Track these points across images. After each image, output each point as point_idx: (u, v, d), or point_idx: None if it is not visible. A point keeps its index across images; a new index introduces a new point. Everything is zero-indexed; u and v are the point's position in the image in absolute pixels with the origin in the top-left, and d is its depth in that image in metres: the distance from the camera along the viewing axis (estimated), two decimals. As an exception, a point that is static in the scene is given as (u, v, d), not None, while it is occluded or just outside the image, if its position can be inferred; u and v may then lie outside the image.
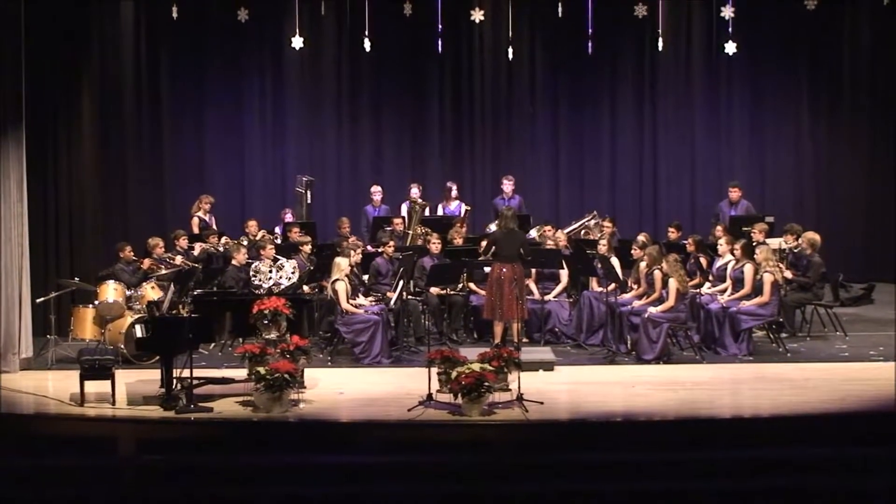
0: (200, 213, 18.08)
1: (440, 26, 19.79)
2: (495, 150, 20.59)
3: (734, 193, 18.55)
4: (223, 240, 17.28)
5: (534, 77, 20.56)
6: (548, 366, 14.54)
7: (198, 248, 17.00)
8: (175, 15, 17.02)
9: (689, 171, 20.63)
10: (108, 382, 12.91)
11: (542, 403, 12.60)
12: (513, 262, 15.17)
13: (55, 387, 13.79)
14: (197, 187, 19.02)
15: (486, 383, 12.27)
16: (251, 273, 15.88)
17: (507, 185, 18.66)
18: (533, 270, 16.28)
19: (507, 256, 15.22)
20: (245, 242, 17.01)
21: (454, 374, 12.37)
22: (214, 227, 17.94)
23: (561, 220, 19.04)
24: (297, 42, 17.97)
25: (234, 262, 16.25)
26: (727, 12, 17.68)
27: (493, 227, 17.07)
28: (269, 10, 19.12)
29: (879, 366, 14.26)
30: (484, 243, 15.97)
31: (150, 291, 15.16)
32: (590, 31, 19.85)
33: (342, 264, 15.11)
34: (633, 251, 16.02)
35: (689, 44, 20.44)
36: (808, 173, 20.61)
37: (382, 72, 20.31)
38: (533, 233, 17.44)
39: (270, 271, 15.80)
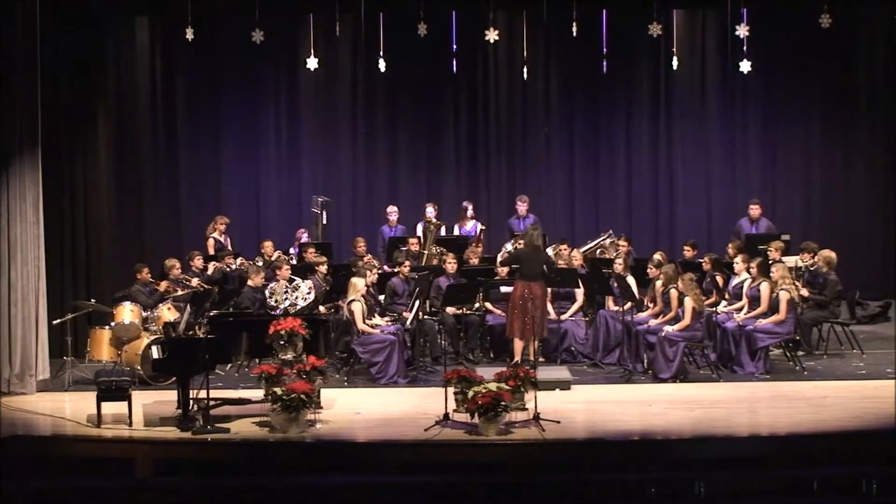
0: (216, 235, 18.09)
1: (455, 46, 19.80)
2: (510, 169, 20.53)
3: (755, 210, 18.52)
4: (239, 261, 17.29)
5: (548, 96, 20.52)
6: (564, 385, 14.53)
7: (211, 266, 17.00)
8: (190, 37, 16.97)
9: (704, 190, 20.55)
10: (125, 404, 12.90)
11: (558, 423, 12.57)
12: (536, 281, 15.17)
13: (72, 408, 13.79)
14: (212, 208, 19.03)
15: (503, 403, 12.22)
16: (267, 294, 15.90)
17: (521, 206, 18.68)
18: (549, 290, 16.28)
19: (530, 275, 15.21)
20: (260, 263, 17.02)
21: (471, 393, 12.35)
22: (230, 248, 17.95)
23: (576, 239, 18.95)
24: (312, 63, 17.96)
25: (250, 283, 16.26)
26: (742, 31, 17.59)
27: (508, 247, 17.10)
28: (283, 31, 19.08)
29: (896, 383, 14.20)
30: (500, 257, 16.31)
31: (167, 313, 15.18)
32: (604, 50, 19.82)
33: (358, 284, 15.11)
34: (648, 270, 16.02)
35: (704, 62, 20.38)
36: (823, 191, 20.52)
37: (397, 92, 20.29)
38: (549, 251, 17.42)
39: (286, 292, 15.82)
